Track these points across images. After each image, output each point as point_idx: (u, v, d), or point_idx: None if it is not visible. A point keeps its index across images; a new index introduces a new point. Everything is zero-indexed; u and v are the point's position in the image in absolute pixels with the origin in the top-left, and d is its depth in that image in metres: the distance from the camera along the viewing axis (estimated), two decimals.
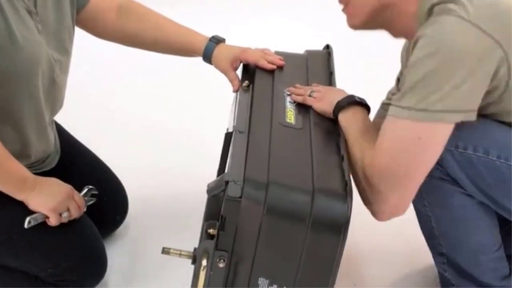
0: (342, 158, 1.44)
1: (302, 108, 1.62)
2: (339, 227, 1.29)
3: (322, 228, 1.30)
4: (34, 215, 1.61)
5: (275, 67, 1.77)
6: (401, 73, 1.75)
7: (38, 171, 1.76)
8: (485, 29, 1.31)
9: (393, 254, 2.03)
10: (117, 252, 1.98)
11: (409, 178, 1.45)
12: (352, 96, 1.58)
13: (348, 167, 1.41)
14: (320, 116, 1.60)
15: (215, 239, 1.34)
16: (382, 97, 1.83)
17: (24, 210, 1.63)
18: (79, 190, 1.77)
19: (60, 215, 1.64)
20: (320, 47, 1.93)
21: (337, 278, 1.74)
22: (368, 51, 3.09)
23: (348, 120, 1.56)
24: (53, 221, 1.63)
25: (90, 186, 1.79)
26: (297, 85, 1.68)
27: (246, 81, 1.72)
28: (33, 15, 1.57)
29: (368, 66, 3.04)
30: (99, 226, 1.84)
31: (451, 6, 1.34)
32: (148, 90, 3.04)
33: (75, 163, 1.90)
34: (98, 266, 1.79)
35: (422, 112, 1.34)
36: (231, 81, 1.80)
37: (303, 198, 1.31)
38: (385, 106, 1.79)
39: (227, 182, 1.33)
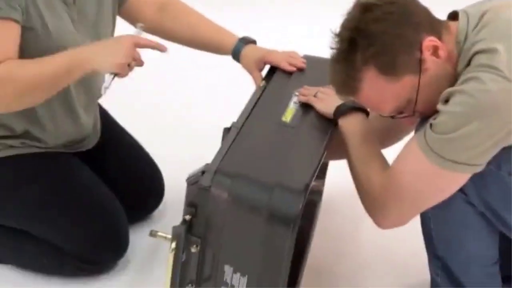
0: (318, 158, 1.47)
1: (306, 109, 1.66)
2: (289, 221, 1.33)
3: (275, 220, 1.34)
4: (105, 83, 1.58)
5: (294, 69, 1.82)
6: None
7: (74, 150, 1.92)
8: None
9: (397, 258, 2.03)
10: (147, 236, 2.07)
11: (417, 209, 1.52)
12: (353, 101, 1.61)
13: (318, 167, 1.45)
14: (320, 117, 1.64)
15: (186, 224, 1.42)
16: None
17: (53, 184, 1.81)
18: (112, 173, 1.93)
19: (129, 65, 1.60)
20: None
21: (341, 282, 1.79)
22: None
23: (348, 125, 1.59)
24: (124, 74, 1.61)
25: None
26: (306, 86, 1.72)
27: (264, 81, 1.78)
28: (69, 6, 1.70)
29: None
30: (132, 208, 1.98)
31: (491, 62, 1.32)
32: (189, 81, 3.10)
33: (113, 147, 2.04)
34: (117, 245, 1.91)
35: (452, 163, 1.35)
36: (254, 79, 1.87)
37: (263, 190, 1.36)
38: None
39: (203, 172, 1.41)
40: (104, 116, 2.06)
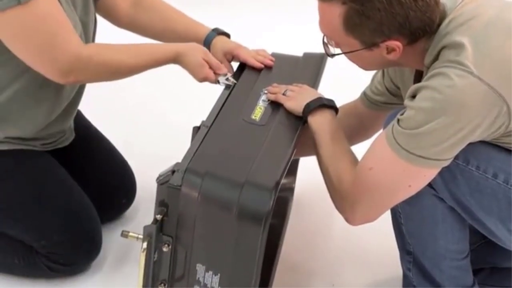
0: (288, 155, 1.48)
1: (275, 106, 1.67)
2: (260, 218, 1.33)
3: (245, 218, 1.35)
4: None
5: (262, 65, 1.83)
6: (383, 75, 1.77)
7: (51, 148, 1.91)
8: (493, 85, 1.32)
9: (370, 254, 2.04)
10: (119, 236, 2.07)
11: (387, 205, 1.53)
12: (320, 99, 1.62)
13: (287, 165, 1.45)
14: (289, 114, 1.64)
15: (157, 224, 1.42)
16: None
17: (30, 181, 1.80)
18: (84, 171, 1.95)
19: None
20: None
21: (315, 279, 1.80)
22: None
23: (317, 123, 1.60)
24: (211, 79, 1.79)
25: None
26: (275, 84, 1.73)
27: (232, 80, 1.78)
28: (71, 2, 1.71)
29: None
30: (104, 208, 1.98)
31: (458, 57, 1.34)
32: (160, 80, 3.04)
33: (86, 144, 2.04)
34: (90, 246, 1.90)
35: (420, 158, 1.36)
36: None
37: (233, 188, 1.37)
38: (367, 97, 1.84)
39: (173, 172, 1.41)
40: (76, 114, 2.05)
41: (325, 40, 1.52)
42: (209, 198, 1.38)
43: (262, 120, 1.61)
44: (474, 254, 1.68)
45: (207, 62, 1.76)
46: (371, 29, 1.39)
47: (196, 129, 1.61)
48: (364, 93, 1.84)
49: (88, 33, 1.82)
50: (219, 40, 1.90)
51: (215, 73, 1.77)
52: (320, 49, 1.60)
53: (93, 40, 1.90)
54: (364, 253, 2.04)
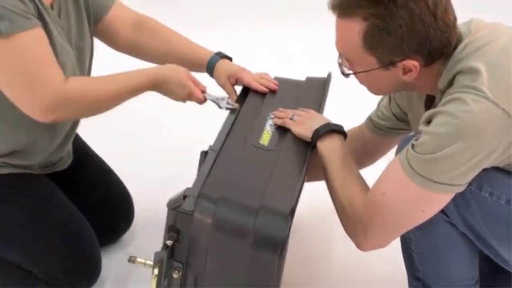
0: (299, 181, 1.48)
1: (282, 131, 1.67)
2: (276, 245, 1.33)
3: (260, 245, 1.34)
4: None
5: (266, 89, 1.83)
6: (389, 100, 1.78)
7: (49, 171, 1.90)
8: (508, 110, 1.32)
9: (371, 278, 2.04)
10: (117, 259, 2.07)
11: (400, 230, 1.52)
12: (328, 124, 1.63)
13: (301, 190, 1.45)
14: (297, 139, 1.65)
15: (168, 249, 1.40)
16: None
17: (29, 205, 1.77)
18: (83, 195, 1.92)
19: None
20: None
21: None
22: None
23: (326, 148, 1.60)
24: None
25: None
26: (281, 108, 1.73)
27: (237, 104, 1.78)
28: (63, 28, 1.70)
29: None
30: (102, 231, 1.95)
31: (474, 83, 1.34)
32: (159, 101, 3.10)
33: (84, 167, 2.02)
34: (90, 271, 1.88)
35: (435, 184, 1.36)
36: (229, 93, 1.88)
37: (247, 214, 1.36)
38: (373, 122, 1.84)
39: (185, 197, 1.40)
40: (75, 137, 2.03)
41: (339, 61, 1.52)
42: (222, 224, 1.37)
43: (270, 145, 1.61)
44: (481, 279, 1.68)
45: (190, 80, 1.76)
46: (391, 46, 1.40)
47: (203, 154, 1.60)
48: (370, 118, 1.84)
49: (83, 60, 1.81)
50: (222, 64, 1.90)
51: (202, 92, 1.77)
52: (317, 70, 1.58)
53: (90, 66, 1.89)
54: (365, 276, 2.04)
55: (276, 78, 1.91)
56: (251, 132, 1.65)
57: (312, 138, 1.61)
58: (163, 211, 2.21)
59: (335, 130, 1.61)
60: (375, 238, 1.51)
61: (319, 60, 2.55)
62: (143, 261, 1.53)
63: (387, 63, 1.43)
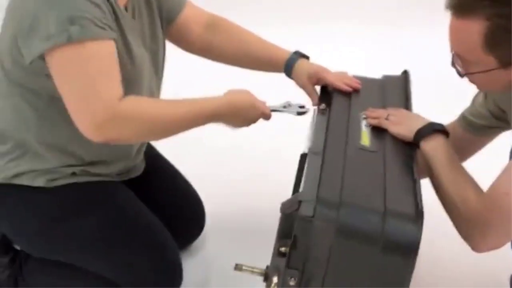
0: (415, 182, 1.44)
1: (378, 131, 1.64)
2: (409, 250, 1.29)
3: (392, 250, 1.30)
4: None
5: (351, 89, 1.79)
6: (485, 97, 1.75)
7: (125, 178, 1.85)
8: None
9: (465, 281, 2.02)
10: (192, 265, 2.03)
11: None
12: (432, 124, 1.60)
13: (420, 191, 1.41)
14: (395, 139, 1.61)
15: (286, 257, 1.36)
16: None
17: (111, 215, 1.73)
18: (157, 202, 1.87)
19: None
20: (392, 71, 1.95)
21: None
22: (443, 77, 3.07)
23: (432, 149, 1.57)
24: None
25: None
26: (371, 108, 1.69)
27: (323, 104, 1.74)
28: (137, 31, 1.65)
29: (443, 93, 3.00)
30: (176, 238, 1.90)
31: None
32: None
33: (156, 172, 1.97)
34: (174, 278, 1.84)
35: None
36: (309, 95, 1.85)
37: (374, 218, 1.32)
38: (467, 120, 1.81)
39: (300, 202, 1.36)
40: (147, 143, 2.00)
41: (454, 61, 1.49)
42: (348, 230, 1.33)
43: (372, 146, 1.57)
44: None
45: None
46: None
47: (303, 156, 1.56)
48: (463, 116, 1.81)
49: (157, 62, 1.77)
50: (302, 64, 1.86)
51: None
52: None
53: (163, 69, 1.83)
54: (452, 278, 2.03)
55: (354, 77, 1.87)
56: (348, 133, 1.61)
57: (414, 138, 1.58)
58: (230, 216, 2.23)
59: (439, 129, 1.58)
60: (493, 239, 1.48)
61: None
62: (250, 268, 1.50)
63: (507, 63, 1.40)
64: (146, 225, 1.80)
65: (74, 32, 1.40)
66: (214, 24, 1.91)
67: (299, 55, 1.88)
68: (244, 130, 2.65)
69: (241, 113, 1.69)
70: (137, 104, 1.53)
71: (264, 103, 1.75)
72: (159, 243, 1.81)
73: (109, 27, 1.48)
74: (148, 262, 1.77)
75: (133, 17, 1.64)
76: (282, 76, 1.91)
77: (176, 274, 1.84)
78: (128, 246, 1.75)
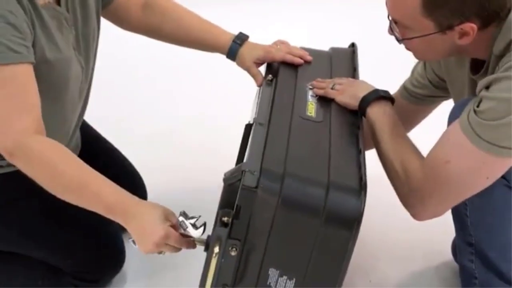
0: (360, 152, 1.44)
1: (324, 101, 1.63)
2: (351, 223, 1.29)
3: (334, 222, 1.30)
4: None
5: (302, 61, 1.78)
6: (424, 67, 1.76)
7: None
8: None
9: (409, 250, 2.04)
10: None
11: (461, 197, 1.49)
12: (377, 91, 1.59)
13: (365, 162, 1.41)
14: (342, 109, 1.61)
15: (228, 227, 1.35)
16: None
17: (48, 200, 1.62)
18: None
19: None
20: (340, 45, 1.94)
21: (353, 274, 1.76)
22: (392, 49, 3.08)
23: (377, 115, 1.56)
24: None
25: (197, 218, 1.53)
26: (319, 79, 1.68)
27: (270, 75, 1.72)
28: (68, 21, 1.59)
29: (391, 64, 3.01)
30: None
31: None
32: (163, 87, 3.07)
33: (95, 155, 1.87)
34: (116, 258, 1.83)
35: (502, 149, 1.34)
36: (253, 76, 1.81)
37: (318, 191, 1.31)
38: (408, 90, 1.83)
39: (243, 172, 1.34)
40: (82, 125, 1.93)
41: (391, 26, 1.49)
42: (291, 201, 1.32)
43: (318, 116, 1.57)
44: None
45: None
46: (452, 9, 1.37)
47: (248, 127, 1.55)
48: (404, 87, 1.82)
49: (88, 44, 1.72)
50: (245, 49, 1.83)
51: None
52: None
53: (96, 50, 1.78)
54: (403, 249, 2.05)
55: (303, 49, 1.85)
56: (294, 104, 1.59)
57: (359, 106, 1.57)
58: (170, 195, 2.21)
59: (384, 96, 1.57)
60: (433, 207, 1.49)
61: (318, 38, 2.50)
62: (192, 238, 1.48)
63: (445, 27, 1.41)
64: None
65: None
66: (151, 4, 1.86)
67: (240, 41, 1.83)
68: (180, 110, 2.64)
69: (137, 230, 1.47)
70: (46, 148, 1.45)
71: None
72: (100, 225, 1.76)
73: (26, 47, 1.42)
74: (90, 244, 1.75)
75: (58, 3, 1.58)
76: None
77: (118, 255, 1.83)
78: (69, 230, 1.73)
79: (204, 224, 1.49)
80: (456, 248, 1.80)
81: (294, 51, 1.79)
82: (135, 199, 1.49)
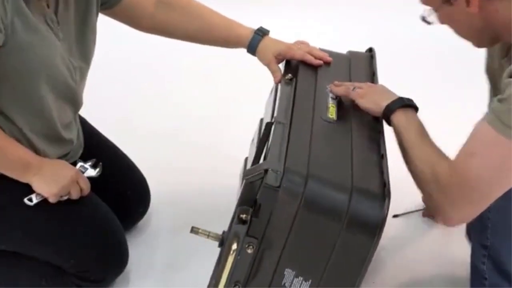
0: (382, 157, 1.44)
1: (344, 105, 1.63)
2: (374, 229, 1.29)
3: (357, 227, 1.30)
4: (35, 194, 1.64)
5: (321, 62, 1.77)
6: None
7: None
8: None
9: (412, 252, 2.05)
10: (138, 245, 2.01)
11: (490, 194, 1.43)
12: (401, 99, 1.58)
13: (387, 167, 1.41)
14: (361, 112, 1.61)
15: (247, 224, 1.34)
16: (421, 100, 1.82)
17: (49, 203, 1.67)
18: (99, 183, 1.80)
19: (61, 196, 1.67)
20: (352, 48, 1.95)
21: None
22: (404, 55, 3.11)
23: (402, 123, 1.55)
24: (52, 201, 1.66)
25: (93, 160, 1.78)
26: (337, 82, 1.68)
27: (289, 74, 1.71)
28: (54, 23, 1.56)
29: (405, 69, 3.02)
30: (122, 218, 1.87)
31: None
32: (165, 86, 3.04)
33: (98, 155, 1.87)
34: (120, 258, 1.82)
35: None
36: (273, 72, 1.79)
37: (341, 195, 1.31)
38: None
39: (266, 170, 1.34)
40: (83, 124, 1.93)
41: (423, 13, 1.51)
42: (313, 204, 1.32)
43: (339, 119, 1.57)
44: None
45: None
46: None
47: (269, 125, 1.54)
48: None
49: (87, 47, 1.70)
50: (266, 43, 1.81)
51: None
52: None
53: (92, 52, 1.76)
54: (400, 248, 2.04)
55: (322, 50, 1.85)
56: (315, 105, 1.59)
57: (384, 113, 1.57)
58: (174, 195, 2.22)
59: (407, 104, 1.57)
60: (464, 208, 1.44)
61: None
62: (206, 233, 1.48)
63: None
64: (90, 207, 1.76)
65: None
66: (168, 1, 1.83)
67: (261, 34, 1.81)
68: (186, 111, 2.59)
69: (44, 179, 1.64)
70: None
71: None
72: (103, 224, 1.77)
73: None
74: (93, 244, 1.74)
75: (47, 6, 1.55)
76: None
77: (121, 255, 1.82)
78: (73, 230, 1.71)
79: (100, 165, 1.76)
80: (470, 229, 1.79)
81: (314, 52, 1.78)
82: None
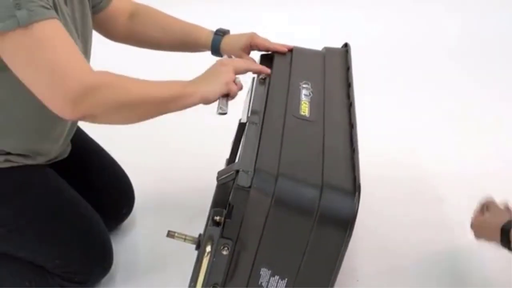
0: (354, 151, 1.44)
1: (317, 101, 1.62)
2: (345, 224, 1.29)
3: (328, 223, 1.30)
4: (221, 108, 1.54)
5: (286, 49, 1.79)
6: None
7: (50, 162, 1.79)
8: None
9: (396, 249, 2.04)
10: (122, 246, 2.01)
11: None
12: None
13: (358, 162, 1.40)
14: (335, 108, 1.60)
15: (221, 226, 1.35)
16: (398, 96, 1.81)
17: (37, 199, 1.68)
18: (84, 183, 1.81)
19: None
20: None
21: (340, 273, 1.77)
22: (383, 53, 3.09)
23: None
24: (233, 94, 1.57)
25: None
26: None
27: (263, 75, 1.71)
28: (70, 17, 1.58)
29: (383, 66, 3.02)
30: (106, 218, 1.86)
31: None
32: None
33: (84, 155, 1.90)
34: (105, 259, 1.81)
35: None
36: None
37: (311, 192, 1.31)
38: None
39: (237, 171, 1.34)
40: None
41: None
42: (284, 202, 1.31)
43: (311, 116, 1.56)
44: None
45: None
46: None
47: (242, 125, 1.54)
48: None
49: (87, 50, 1.72)
50: (227, 41, 1.82)
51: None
52: None
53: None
54: (389, 249, 2.04)
55: (296, 48, 1.85)
56: (288, 103, 1.59)
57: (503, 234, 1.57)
58: (158, 196, 2.21)
59: None
60: None
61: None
62: (183, 236, 1.48)
63: None
64: (74, 207, 1.76)
65: (21, 17, 1.32)
66: (137, 12, 1.86)
67: (221, 33, 1.83)
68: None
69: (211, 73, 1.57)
70: (113, 76, 1.43)
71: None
72: (88, 225, 1.77)
73: (51, 7, 1.40)
74: (77, 245, 1.74)
75: (65, 3, 1.56)
76: None
77: (106, 255, 1.82)
78: (57, 230, 1.71)
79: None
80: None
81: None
82: None
